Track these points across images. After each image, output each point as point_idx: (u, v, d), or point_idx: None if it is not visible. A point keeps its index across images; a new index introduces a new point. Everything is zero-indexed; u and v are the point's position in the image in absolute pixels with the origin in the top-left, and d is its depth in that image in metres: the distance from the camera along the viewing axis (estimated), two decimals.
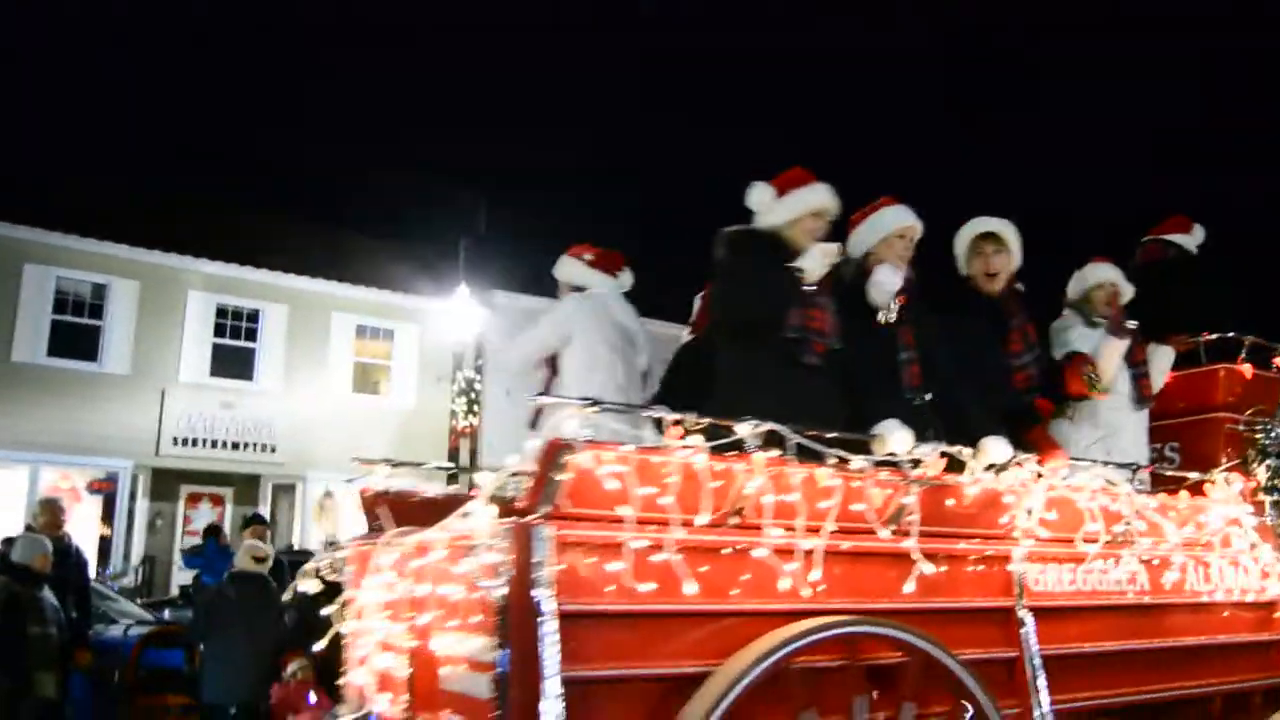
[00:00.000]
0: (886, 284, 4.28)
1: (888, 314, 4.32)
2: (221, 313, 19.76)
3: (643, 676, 3.04)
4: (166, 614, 11.17)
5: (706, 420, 3.30)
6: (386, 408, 21.07)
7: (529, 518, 2.95)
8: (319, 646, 4.36)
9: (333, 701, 8.49)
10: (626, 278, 5.63)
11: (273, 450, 19.42)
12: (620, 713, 3.00)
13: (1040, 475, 3.97)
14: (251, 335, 20.02)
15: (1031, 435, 4.52)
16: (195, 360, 19.26)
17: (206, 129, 43.01)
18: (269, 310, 20.12)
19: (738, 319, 4.18)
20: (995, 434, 3.92)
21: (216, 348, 19.60)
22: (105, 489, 18.35)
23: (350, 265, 21.08)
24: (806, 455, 3.40)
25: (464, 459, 18.91)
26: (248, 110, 47.49)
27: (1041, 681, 3.72)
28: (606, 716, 2.96)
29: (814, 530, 3.33)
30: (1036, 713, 3.68)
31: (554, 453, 3.00)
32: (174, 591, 16.19)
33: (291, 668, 8.51)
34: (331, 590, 4.39)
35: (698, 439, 3.21)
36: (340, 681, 4.25)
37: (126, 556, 18.21)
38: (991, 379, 4.58)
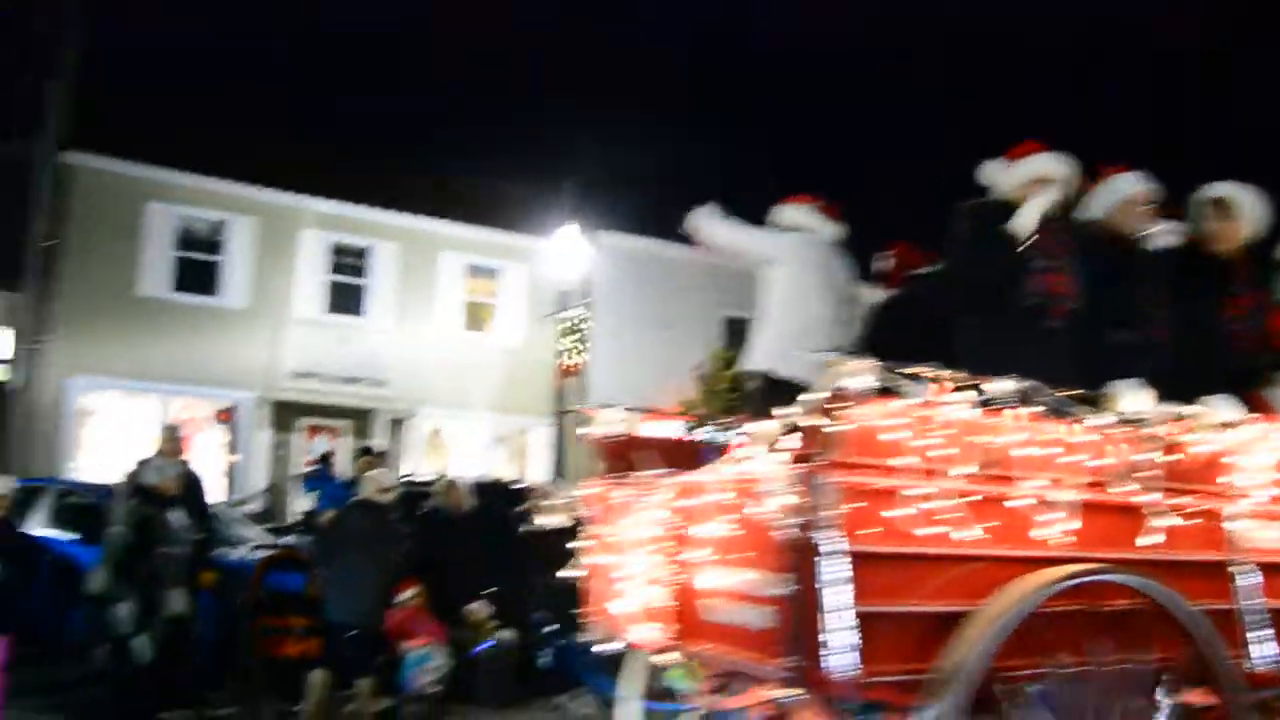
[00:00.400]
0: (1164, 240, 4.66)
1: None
2: (335, 250, 20.19)
3: (913, 613, 3.33)
4: (288, 539, 11.55)
5: (965, 378, 3.51)
6: (494, 345, 21.38)
7: (813, 464, 3.20)
8: (565, 573, 4.77)
9: (442, 628, 8.75)
10: (841, 230, 5.73)
11: (385, 385, 19.87)
12: (890, 644, 3.26)
13: (1262, 435, 4.10)
14: (363, 272, 20.42)
15: (1249, 396, 4.62)
16: (310, 296, 19.76)
17: (321, 74, 43.65)
18: (380, 248, 20.48)
19: (978, 287, 4.39)
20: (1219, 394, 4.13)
21: (331, 284, 20.07)
22: (229, 419, 19.06)
23: (459, 204, 21.29)
24: (1049, 414, 3.62)
25: (569, 397, 19.09)
26: (360, 55, 48.08)
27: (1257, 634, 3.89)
28: (880, 647, 3.21)
29: (1062, 483, 3.56)
30: (1246, 665, 3.81)
31: (836, 403, 3.22)
32: (295, 518, 16.79)
33: (406, 594, 8.77)
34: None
35: (958, 395, 3.44)
36: (583, 611, 4.54)
37: (250, 484, 18.92)
38: (1211, 339, 4.74)
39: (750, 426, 3.67)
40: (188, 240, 19.05)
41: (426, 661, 8.42)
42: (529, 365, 20.85)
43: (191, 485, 8.70)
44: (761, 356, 5.36)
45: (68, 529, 9.77)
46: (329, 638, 8.22)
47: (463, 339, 21.11)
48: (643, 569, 4.13)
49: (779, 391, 4.70)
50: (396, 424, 20.11)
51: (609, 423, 4.73)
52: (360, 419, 19.92)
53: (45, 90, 18.00)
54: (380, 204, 20.25)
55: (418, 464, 19.21)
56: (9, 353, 17.64)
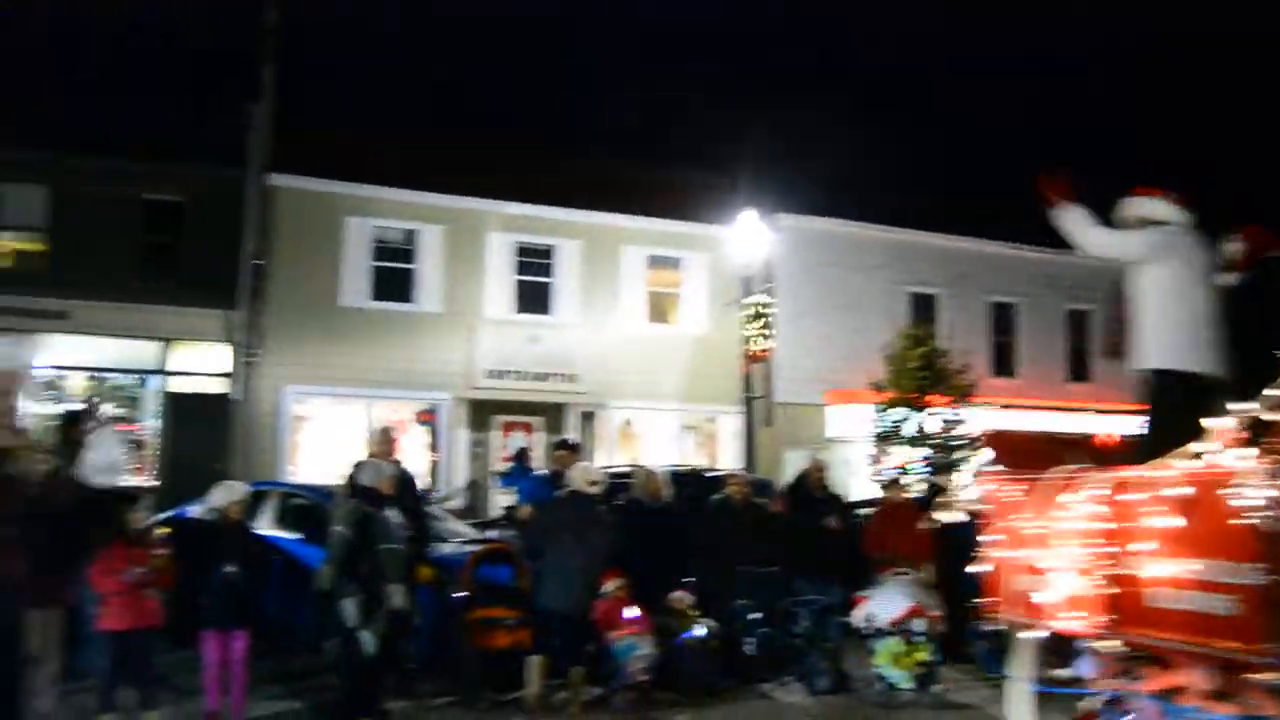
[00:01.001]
0: None
1: None
2: (520, 251, 20.69)
3: None
4: (492, 534, 11.88)
5: None
6: (679, 335, 21.49)
7: None
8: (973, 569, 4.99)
9: (647, 617, 8.84)
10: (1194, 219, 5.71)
11: (575, 380, 20.27)
12: None
13: None
14: (549, 271, 20.86)
15: None
16: (499, 297, 20.33)
17: (496, 83, 44.82)
18: (564, 246, 20.88)
19: None
20: None
21: (518, 285, 20.59)
22: (429, 420, 19.83)
23: (638, 197, 21.49)
24: None
25: (757, 384, 18.99)
26: (526, 43, 49.01)
27: None
28: None
29: None
30: None
31: None
32: (496, 513, 17.32)
33: (612, 584, 8.90)
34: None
35: None
36: (987, 601, 4.86)
37: (451, 482, 19.65)
38: None
39: (1210, 422, 3.79)
40: (383, 251, 19.88)
41: (634, 650, 8.53)
42: (715, 353, 20.89)
43: (405, 484, 9.04)
44: (1156, 354, 5.33)
45: (292, 529, 10.33)
46: (539, 628, 8.43)
47: (648, 331, 21.32)
48: (1070, 560, 4.31)
49: (1182, 387, 4.97)
50: (587, 417, 20.47)
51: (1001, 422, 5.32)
52: (552, 414, 20.40)
53: (250, 115, 19.10)
54: (562, 203, 20.66)
55: (610, 456, 19.50)
56: (229, 367, 18.86)
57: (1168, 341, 5.28)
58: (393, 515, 7.94)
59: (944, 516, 10.87)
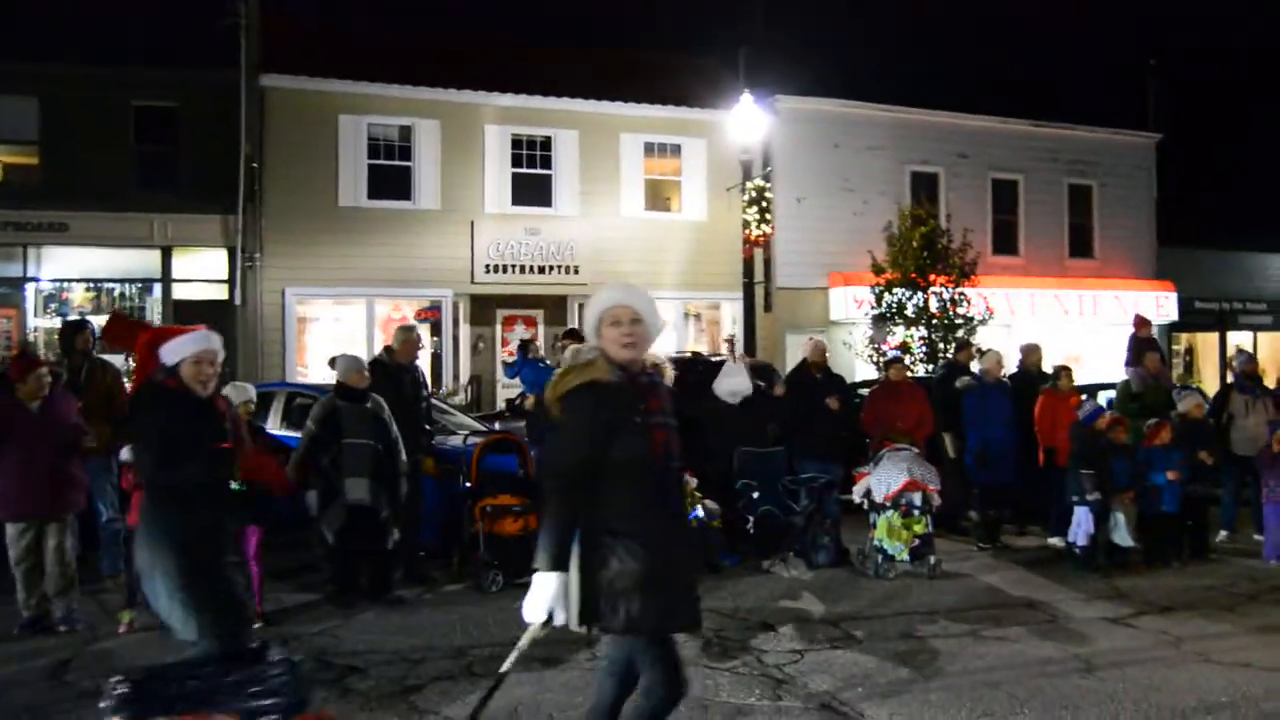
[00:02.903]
0: None
1: None
2: (517, 143, 20.52)
3: None
4: (497, 425, 12.07)
5: None
6: (679, 223, 21.43)
7: None
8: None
9: None
10: None
11: (576, 271, 20.30)
12: None
13: None
14: (546, 163, 20.71)
15: None
16: (497, 191, 20.24)
17: None
18: (560, 136, 20.69)
19: None
20: None
21: (515, 177, 20.46)
22: (431, 317, 19.96)
23: (634, 84, 21.22)
24: None
25: (757, 269, 18.99)
26: None
27: None
28: None
29: None
30: None
31: None
32: (500, 405, 17.56)
33: None
34: None
35: None
36: None
37: (456, 376, 19.85)
38: None
39: None
40: (379, 149, 19.74)
41: None
42: (715, 240, 20.87)
43: (411, 380, 9.14)
44: None
45: (296, 428, 10.51)
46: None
47: (648, 219, 21.24)
48: None
49: None
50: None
51: None
52: (554, 306, 20.49)
53: (240, 15, 18.73)
54: (557, 93, 20.39)
55: None
56: (227, 273, 18.91)
57: None
58: (367, 409, 8.07)
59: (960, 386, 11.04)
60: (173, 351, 4.71)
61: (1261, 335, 27.24)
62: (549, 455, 4.26)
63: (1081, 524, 9.34)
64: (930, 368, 16.92)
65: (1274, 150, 41.29)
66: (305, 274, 18.86)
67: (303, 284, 18.92)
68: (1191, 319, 25.99)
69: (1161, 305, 24.34)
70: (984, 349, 12.43)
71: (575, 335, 10.68)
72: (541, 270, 20.07)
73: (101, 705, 3.55)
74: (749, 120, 17.64)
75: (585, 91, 20.58)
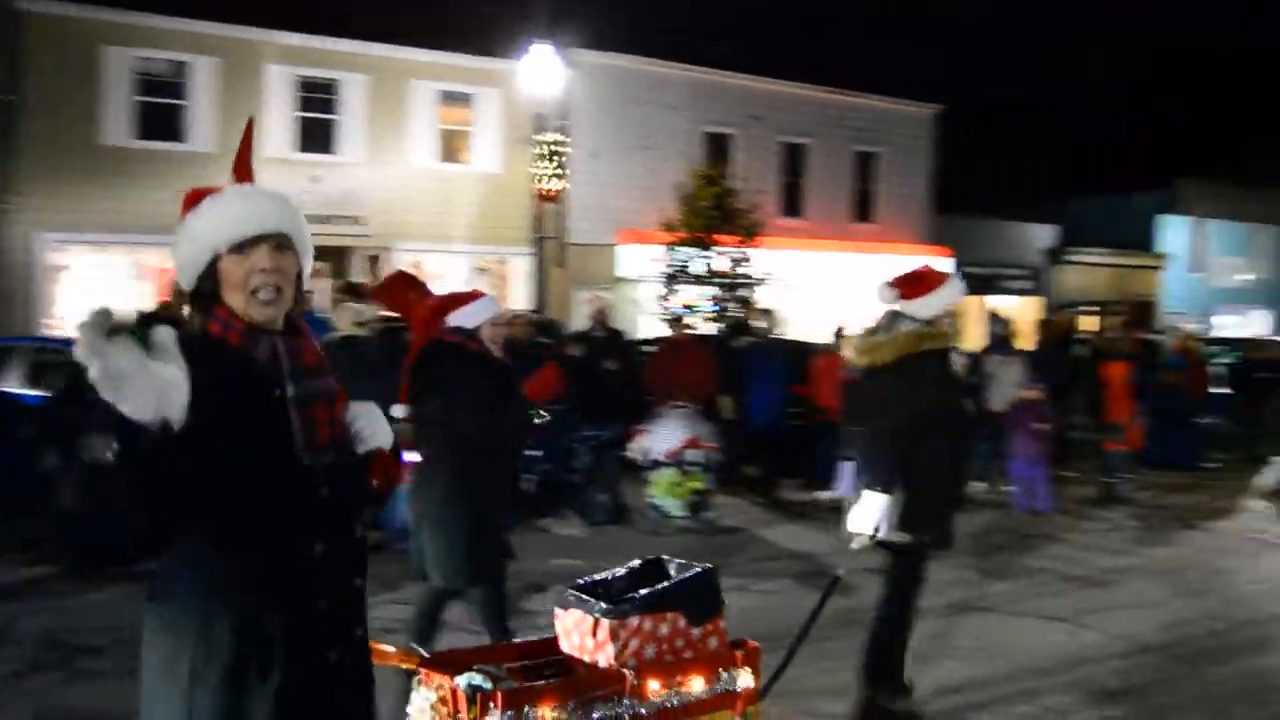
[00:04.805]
0: None
1: None
2: (302, 85, 19.58)
3: None
4: None
5: None
6: (470, 175, 20.96)
7: None
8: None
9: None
10: None
11: (360, 222, 19.59)
12: None
13: None
14: (333, 107, 19.86)
15: None
16: (279, 135, 19.27)
17: None
18: (349, 81, 19.85)
19: None
20: None
21: (299, 121, 19.55)
22: None
23: (427, 29, 20.51)
24: None
25: (549, 224, 18.85)
26: None
27: None
28: None
29: None
30: None
31: None
32: None
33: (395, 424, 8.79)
34: None
35: None
36: None
37: None
38: None
39: None
40: (148, 85, 18.44)
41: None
42: (507, 193, 20.52)
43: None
44: None
45: (42, 386, 9.72)
46: None
47: (438, 170, 20.68)
48: None
49: None
50: (375, 260, 19.90)
51: None
52: (337, 258, 19.68)
53: None
54: (346, 34, 19.51)
55: None
56: None
57: None
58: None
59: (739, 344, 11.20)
60: (471, 315, 4.92)
61: (1022, 300, 29.03)
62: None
63: (852, 479, 9.67)
64: (719, 327, 17.22)
65: (1037, 127, 44.04)
66: (61, 218, 17.46)
67: (58, 229, 17.51)
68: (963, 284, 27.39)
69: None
70: (764, 308, 12.69)
71: (350, 288, 10.28)
72: (323, 220, 19.22)
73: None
74: (544, 72, 17.41)
75: (376, 34, 19.78)
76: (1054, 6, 63.46)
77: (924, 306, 4.93)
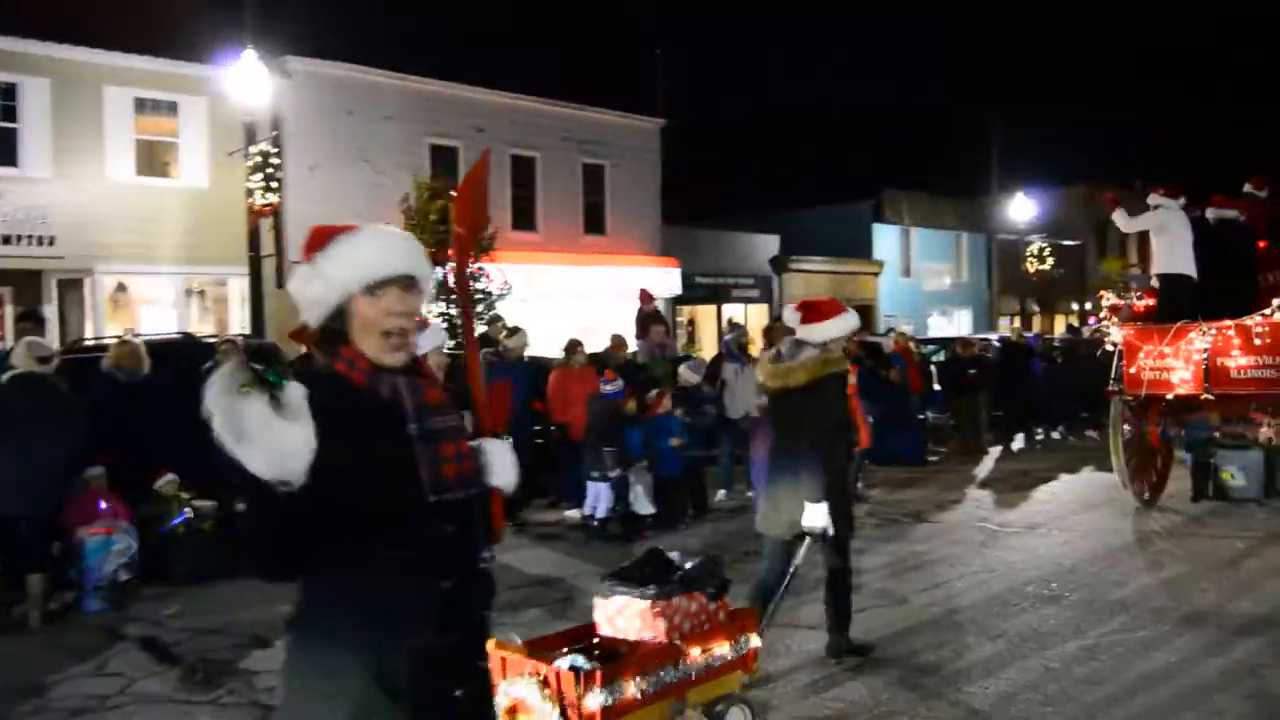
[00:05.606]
0: None
1: None
2: None
3: None
4: None
5: None
6: (177, 189, 19.37)
7: None
8: None
9: (129, 510, 7.92)
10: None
11: (51, 243, 17.70)
12: None
13: None
14: (11, 115, 17.85)
15: None
16: None
17: None
18: (28, 84, 17.89)
19: None
20: None
21: None
22: None
23: (122, 31, 18.80)
24: None
25: (266, 240, 17.75)
26: None
27: None
28: None
29: None
30: None
31: None
32: None
33: (86, 475, 7.86)
34: None
35: None
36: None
37: None
38: None
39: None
40: None
41: (110, 546, 7.64)
42: (219, 210, 19.11)
43: None
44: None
45: None
46: None
47: (140, 185, 18.95)
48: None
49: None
50: (70, 285, 18.05)
51: None
52: (25, 282, 17.68)
53: None
54: (22, 33, 17.56)
55: (100, 327, 17.43)
56: None
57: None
58: None
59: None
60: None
61: (751, 308, 30.02)
62: None
63: (601, 498, 9.49)
64: (452, 344, 16.67)
65: (761, 141, 46.02)
66: None
67: None
68: (693, 293, 28.04)
69: (666, 280, 25.98)
70: (514, 326, 12.33)
71: (31, 318, 9.14)
72: (7, 240, 17.25)
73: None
74: (252, 80, 16.35)
75: (59, 35, 17.92)
76: (779, 32, 66.76)
77: (819, 332, 5.66)
